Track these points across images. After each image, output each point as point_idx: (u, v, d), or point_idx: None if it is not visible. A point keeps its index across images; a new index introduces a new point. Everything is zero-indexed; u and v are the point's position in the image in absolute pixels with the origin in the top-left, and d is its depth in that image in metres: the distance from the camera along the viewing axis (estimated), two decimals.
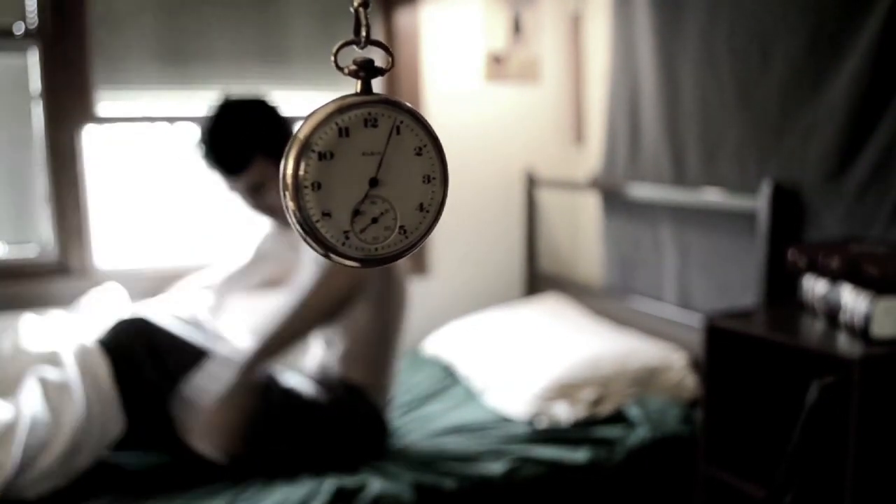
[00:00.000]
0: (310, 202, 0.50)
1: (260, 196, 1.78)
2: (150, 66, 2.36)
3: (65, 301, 2.25)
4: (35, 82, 2.24)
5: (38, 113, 2.25)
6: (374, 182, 0.52)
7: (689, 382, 2.06)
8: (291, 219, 0.51)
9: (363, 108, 0.51)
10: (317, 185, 0.50)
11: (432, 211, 0.53)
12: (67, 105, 2.25)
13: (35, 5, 2.20)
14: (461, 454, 1.77)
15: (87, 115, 2.29)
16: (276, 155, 1.69)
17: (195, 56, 2.40)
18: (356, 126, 0.51)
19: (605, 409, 1.98)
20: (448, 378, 2.31)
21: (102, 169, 2.36)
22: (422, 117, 0.53)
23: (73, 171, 2.27)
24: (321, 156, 0.50)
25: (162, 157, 2.43)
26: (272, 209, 1.79)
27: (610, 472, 1.76)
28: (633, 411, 1.94)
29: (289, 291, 1.70)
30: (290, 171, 0.50)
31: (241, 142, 1.74)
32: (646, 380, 2.05)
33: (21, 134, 2.26)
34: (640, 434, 1.84)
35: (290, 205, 0.50)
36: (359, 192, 0.51)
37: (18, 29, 2.20)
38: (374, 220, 0.52)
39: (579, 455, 1.77)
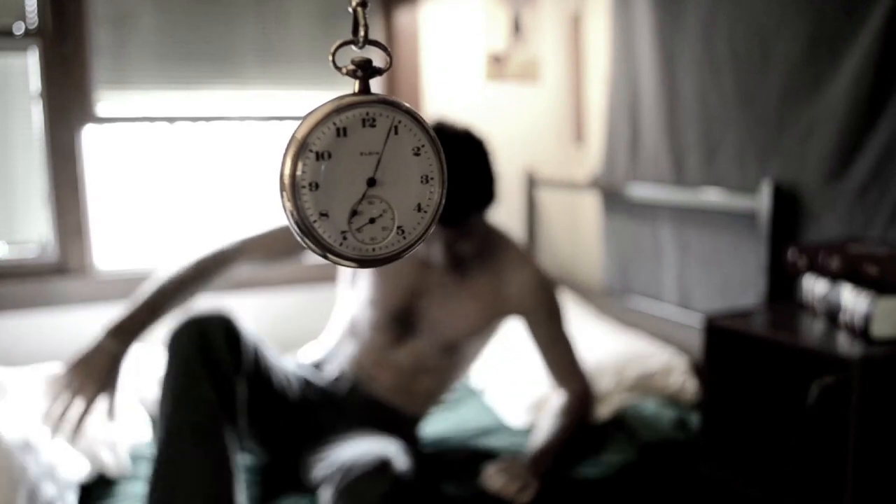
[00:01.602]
0: (307, 202, 0.50)
1: (452, 247, 1.63)
2: (150, 66, 2.36)
3: (64, 301, 2.25)
4: (35, 82, 2.24)
5: (38, 113, 2.25)
6: (371, 182, 0.52)
7: (690, 386, 2.05)
8: (289, 219, 0.51)
9: (361, 107, 0.51)
10: (314, 186, 0.50)
11: (430, 211, 0.53)
12: (67, 105, 2.25)
13: (35, 5, 2.20)
14: (460, 464, 1.76)
15: (87, 115, 2.29)
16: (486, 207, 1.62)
17: (195, 56, 2.40)
18: (354, 126, 0.51)
19: (602, 412, 1.97)
20: None
21: (102, 169, 2.35)
22: (420, 117, 0.53)
23: (73, 171, 2.27)
24: (319, 156, 0.50)
25: (162, 157, 2.42)
26: (454, 259, 1.65)
27: (606, 480, 1.75)
28: (629, 416, 1.93)
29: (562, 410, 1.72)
30: (287, 171, 0.50)
31: (476, 194, 1.59)
32: (645, 386, 2.05)
33: (21, 134, 2.26)
34: (636, 440, 1.83)
35: (288, 205, 0.50)
36: (356, 192, 0.51)
37: (18, 29, 2.20)
38: (372, 221, 0.52)
39: (576, 463, 1.76)
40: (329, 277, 2.21)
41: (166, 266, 1.60)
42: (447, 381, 1.78)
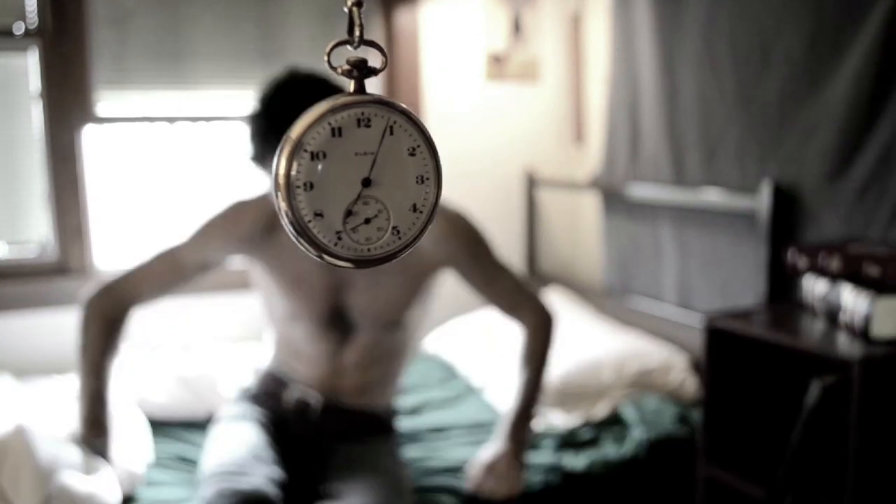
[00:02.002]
0: (302, 202, 0.50)
1: None
2: (150, 66, 2.36)
3: (64, 301, 2.25)
4: (35, 82, 2.24)
5: (38, 113, 2.25)
6: (367, 182, 0.51)
7: (690, 384, 2.06)
8: (283, 219, 0.50)
9: (356, 108, 0.51)
10: (309, 186, 0.50)
11: (426, 212, 0.53)
12: (67, 105, 2.25)
13: (35, 5, 2.20)
14: (459, 463, 1.76)
15: (87, 115, 2.29)
16: None
17: (195, 56, 2.40)
18: (349, 126, 0.51)
19: (602, 410, 1.98)
20: (448, 376, 2.31)
21: (102, 169, 2.36)
22: (416, 117, 0.53)
23: (73, 171, 2.27)
24: (314, 156, 0.50)
25: (162, 157, 2.43)
26: None
27: (607, 476, 1.76)
28: (629, 412, 1.94)
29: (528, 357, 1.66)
30: (282, 170, 0.50)
31: None
32: (645, 382, 2.05)
33: (21, 134, 2.26)
34: (636, 436, 1.84)
35: (282, 205, 0.50)
36: (352, 192, 0.51)
37: (18, 29, 2.20)
38: (367, 221, 0.51)
39: (577, 461, 1.76)
40: None
41: (77, 337, 1.56)
42: (401, 361, 1.69)
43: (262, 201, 1.60)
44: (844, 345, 1.45)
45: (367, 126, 0.51)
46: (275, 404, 1.64)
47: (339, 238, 0.51)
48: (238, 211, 1.59)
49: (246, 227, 1.57)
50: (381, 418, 1.69)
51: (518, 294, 1.66)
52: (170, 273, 1.58)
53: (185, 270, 1.58)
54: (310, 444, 1.61)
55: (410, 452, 1.79)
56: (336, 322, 1.60)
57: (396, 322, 1.63)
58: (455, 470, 1.72)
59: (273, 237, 1.58)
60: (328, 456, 1.59)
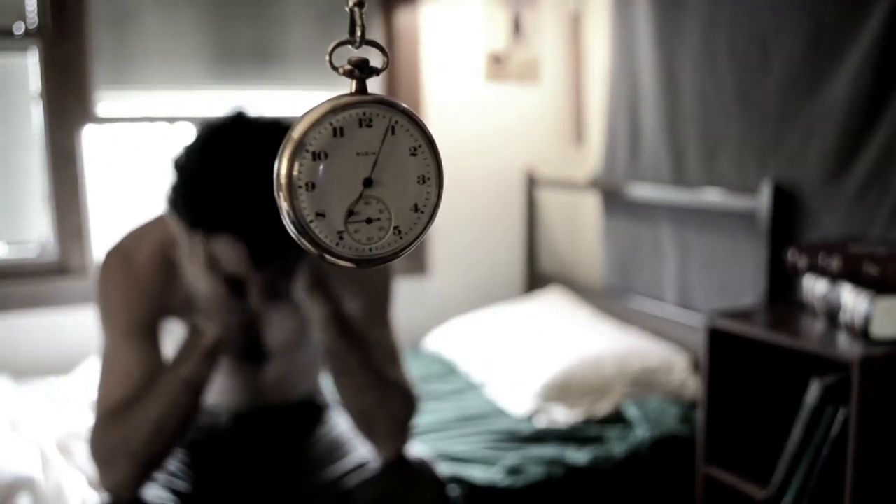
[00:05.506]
0: (304, 202, 0.50)
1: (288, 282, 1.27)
2: (150, 66, 2.36)
3: (64, 301, 2.25)
4: (35, 82, 2.24)
5: (38, 113, 2.25)
6: (368, 182, 0.51)
7: (691, 384, 2.06)
8: (285, 219, 0.50)
9: (358, 107, 0.51)
10: (311, 186, 0.50)
11: (427, 212, 0.53)
12: (67, 105, 2.25)
13: (35, 5, 2.20)
14: (460, 456, 1.77)
15: (87, 115, 2.29)
16: None
17: (195, 56, 2.40)
18: (351, 126, 0.51)
19: (604, 407, 1.99)
20: (448, 372, 2.31)
21: (102, 169, 2.36)
22: (417, 117, 0.52)
23: (73, 171, 2.27)
24: (315, 156, 0.50)
25: (162, 157, 2.42)
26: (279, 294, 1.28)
27: (610, 472, 1.76)
28: (632, 411, 1.94)
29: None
30: (283, 171, 0.50)
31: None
32: (647, 381, 2.06)
33: (21, 134, 2.26)
34: (639, 434, 1.85)
35: (284, 205, 0.50)
36: (353, 192, 0.51)
37: (18, 29, 2.20)
38: (369, 221, 0.51)
39: (579, 455, 1.77)
40: None
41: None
42: (314, 359, 1.52)
43: (152, 232, 1.34)
44: (844, 345, 1.45)
45: (369, 126, 0.51)
46: (199, 435, 1.44)
47: (341, 238, 0.51)
48: (123, 263, 1.29)
49: (143, 278, 1.27)
50: (311, 401, 1.54)
51: (392, 356, 1.39)
52: (140, 371, 1.22)
53: (151, 354, 1.24)
54: (252, 457, 1.45)
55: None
56: (250, 354, 1.40)
57: (305, 342, 1.44)
58: (456, 460, 1.73)
59: (177, 278, 1.29)
60: (278, 462, 1.45)
